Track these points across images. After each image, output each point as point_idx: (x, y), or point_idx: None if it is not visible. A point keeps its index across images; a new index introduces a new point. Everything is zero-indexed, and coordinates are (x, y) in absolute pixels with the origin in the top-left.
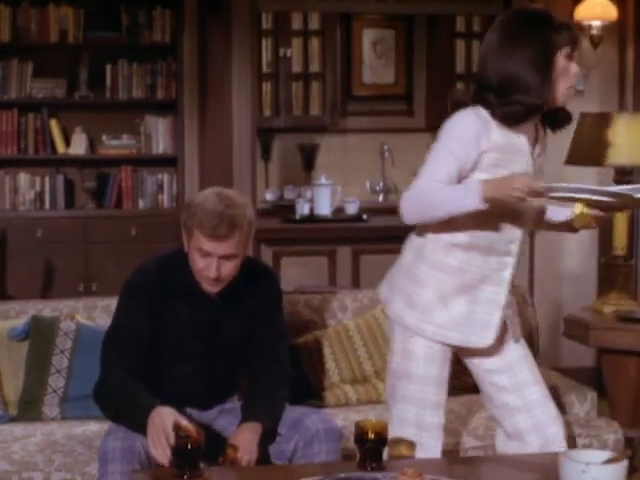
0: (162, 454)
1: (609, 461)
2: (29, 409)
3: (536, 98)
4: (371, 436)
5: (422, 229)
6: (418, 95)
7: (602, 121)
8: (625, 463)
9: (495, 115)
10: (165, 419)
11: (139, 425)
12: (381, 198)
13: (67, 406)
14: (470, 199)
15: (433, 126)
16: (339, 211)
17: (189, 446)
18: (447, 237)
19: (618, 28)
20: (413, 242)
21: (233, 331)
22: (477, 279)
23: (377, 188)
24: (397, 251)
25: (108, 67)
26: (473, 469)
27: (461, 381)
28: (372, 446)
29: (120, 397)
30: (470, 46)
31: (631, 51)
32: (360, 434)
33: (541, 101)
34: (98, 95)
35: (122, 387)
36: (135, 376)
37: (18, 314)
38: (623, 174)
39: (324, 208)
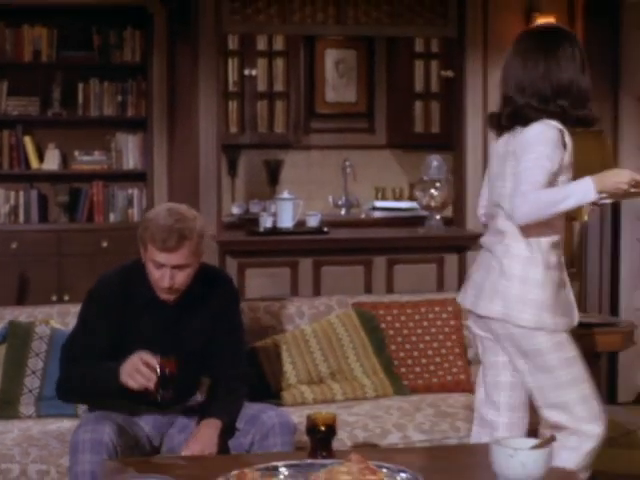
0: (144, 379)
1: (536, 447)
2: (6, 408)
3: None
4: (321, 427)
5: (523, 236)
6: (379, 113)
7: None
8: (550, 449)
9: (570, 120)
10: (139, 354)
11: (114, 382)
12: (343, 212)
13: (42, 405)
14: (590, 194)
15: (393, 143)
16: (301, 224)
17: (166, 372)
18: (547, 239)
19: None
20: (513, 253)
21: (194, 336)
22: (561, 268)
23: (339, 202)
24: (357, 262)
25: (80, 85)
26: (414, 456)
27: (411, 382)
28: (322, 436)
29: (84, 379)
30: (429, 66)
31: None
32: (311, 425)
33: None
34: (70, 112)
35: (82, 375)
36: None
37: None
38: None
39: (286, 221)
